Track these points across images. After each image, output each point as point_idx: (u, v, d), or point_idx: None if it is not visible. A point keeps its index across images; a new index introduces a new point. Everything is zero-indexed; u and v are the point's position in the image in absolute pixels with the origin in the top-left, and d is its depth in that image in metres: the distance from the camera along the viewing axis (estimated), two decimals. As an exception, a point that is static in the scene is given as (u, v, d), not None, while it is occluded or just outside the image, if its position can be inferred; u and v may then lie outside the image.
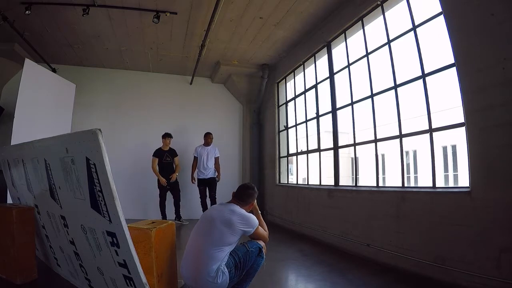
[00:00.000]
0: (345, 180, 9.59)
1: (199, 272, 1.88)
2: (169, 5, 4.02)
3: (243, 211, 2.10)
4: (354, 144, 3.98)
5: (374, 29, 3.71)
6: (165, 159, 5.49)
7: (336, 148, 4.34)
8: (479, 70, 2.32)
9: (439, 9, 2.68)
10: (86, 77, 6.02)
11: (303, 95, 5.27)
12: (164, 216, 5.43)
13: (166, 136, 5.55)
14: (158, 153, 5.49)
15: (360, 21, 3.81)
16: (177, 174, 5.46)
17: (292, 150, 5.74)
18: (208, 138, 5.60)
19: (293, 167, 5.81)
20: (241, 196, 2.19)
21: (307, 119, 5.12)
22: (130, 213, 5.00)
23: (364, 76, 3.79)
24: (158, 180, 5.41)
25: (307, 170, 5.15)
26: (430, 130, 2.86)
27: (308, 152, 5.09)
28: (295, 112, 5.62)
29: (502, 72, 2.15)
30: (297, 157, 5.48)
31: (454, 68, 2.55)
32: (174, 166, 5.55)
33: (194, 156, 5.61)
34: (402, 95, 3.28)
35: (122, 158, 5.86)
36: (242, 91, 6.61)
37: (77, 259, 2.06)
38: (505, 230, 2.08)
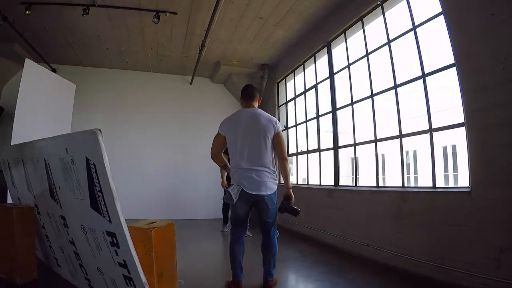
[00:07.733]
0: (345, 180, 9.55)
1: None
2: (169, 5, 4.02)
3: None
4: (354, 144, 3.98)
5: (374, 29, 3.71)
6: None
7: (336, 148, 4.34)
8: (479, 70, 2.32)
9: (439, 9, 2.68)
10: (86, 77, 6.03)
11: (303, 95, 5.27)
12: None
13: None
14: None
15: (360, 21, 3.81)
16: None
17: (292, 150, 5.73)
18: None
19: (293, 167, 5.79)
20: (252, 94, 2.48)
21: (307, 119, 5.11)
22: (130, 213, 4.99)
23: (364, 76, 3.79)
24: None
25: (307, 170, 5.15)
26: (430, 130, 2.86)
27: (308, 152, 5.09)
28: (295, 112, 5.62)
29: (502, 72, 2.15)
30: (297, 157, 5.48)
31: (454, 68, 2.55)
32: None
33: None
34: (402, 95, 3.28)
35: (122, 158, 5.86)
36: (242, 91, 6.61)
37: (77, 259, 2.06)
38: (505, 230, 2.08)
